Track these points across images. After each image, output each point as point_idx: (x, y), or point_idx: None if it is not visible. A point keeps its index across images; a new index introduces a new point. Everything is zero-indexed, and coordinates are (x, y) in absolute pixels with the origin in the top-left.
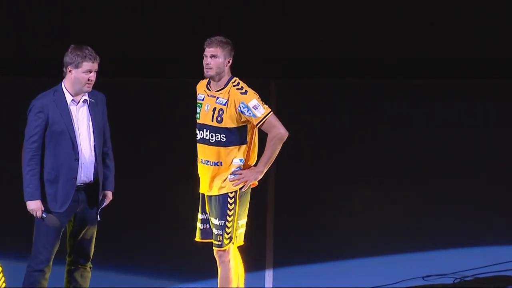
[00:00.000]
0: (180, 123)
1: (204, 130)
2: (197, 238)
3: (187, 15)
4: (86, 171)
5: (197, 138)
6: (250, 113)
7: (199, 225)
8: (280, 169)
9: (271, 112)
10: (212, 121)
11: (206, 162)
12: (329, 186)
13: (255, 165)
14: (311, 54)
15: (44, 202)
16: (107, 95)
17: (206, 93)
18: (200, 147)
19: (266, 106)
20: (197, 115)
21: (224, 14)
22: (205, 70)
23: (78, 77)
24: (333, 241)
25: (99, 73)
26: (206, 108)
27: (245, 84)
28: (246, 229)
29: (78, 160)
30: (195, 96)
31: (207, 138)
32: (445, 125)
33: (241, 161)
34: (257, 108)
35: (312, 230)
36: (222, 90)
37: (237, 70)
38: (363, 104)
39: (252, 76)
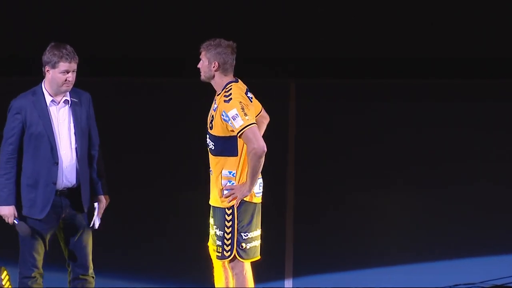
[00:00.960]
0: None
1: (207, 137)
2: (210, 243)
3: (202, 15)
4: (67, 175)
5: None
6: (230, 123)
7: (211, 231)
8: (299, 173)
9: (252, 125)
10: (208, 127)
11: (209, 170)
12: (351, 191)
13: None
14: (332, 54)
15: (20, 208)
16: (113, 95)
17: (217, 98)
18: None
19: (248, 117)
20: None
21: (242, 15)
22: None
23: (55, 77)
24: (355, 249)
25: (114, 72)
26: (209, 114)
27: (239, 92)
28: (261, 241)
29: (58, 164)
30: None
31: (208, 145)
32: (476, 126)
33: (231, 174)
34: (235, 118)
35: (333, 237)
36: (217, 96)
37: (256, 71)
38: (384, 104)
39: (271, 77)
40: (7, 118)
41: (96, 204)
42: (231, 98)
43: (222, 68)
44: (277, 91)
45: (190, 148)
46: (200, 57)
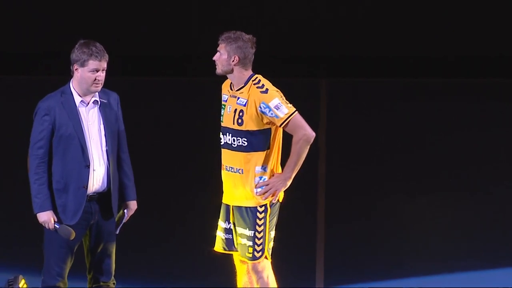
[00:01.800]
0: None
1: (227, 134)
2: (218, 248)
3: (230, 12)
4: (98, 179)
5: (221, 143)
6: (272, 114)
7: (220, 234)
8: (330, 176)
9: (296, 112)
10: (234, 124)
11: (229, 168)
12: (385, 195)
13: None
14: (366, 52)
15: (55, 213)
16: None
17: (229, 93)
18: (223, 152)
19: (290, 105)
20: (221, 118)
21: (273, 12)
22: None
23: (84, 76)
24: (390, 257)
25: (108, 71)
26: (228, 109)
27: (268, 82)
28: (276, 244)
29: (89, 167)
30: (220, 96)
31: (230, 142)
32: None
33: (263, 169)
34: (279, 108)
35: (367, 245)
36: (242, 89)
37: (286, 69)
38: (421, 105)
39: (302, 75)
40: (34, 121)
41: (125, 211)
42: (267, 89)
43: (242, 62)
44: (308, 90)
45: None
46: (218, 49)
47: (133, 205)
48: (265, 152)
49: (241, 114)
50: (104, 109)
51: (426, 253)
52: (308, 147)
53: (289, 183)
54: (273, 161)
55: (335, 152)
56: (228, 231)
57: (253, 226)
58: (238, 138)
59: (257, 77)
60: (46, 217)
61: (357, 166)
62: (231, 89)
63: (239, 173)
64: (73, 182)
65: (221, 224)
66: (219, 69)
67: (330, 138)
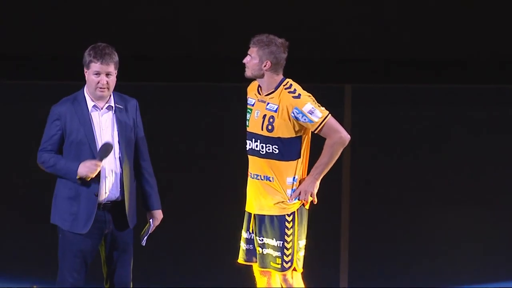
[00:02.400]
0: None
1: (254, 139)
2: (240, 259)
3: (254, 14)
4: (110, 187)
5: (247, 149)
6: (305, 119)
7: (242, 245)
8: (355, 184)
9: (329, 115)
10: (262, 129)
11: (255, 176)
12: (412, 207)
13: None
14: (392, 56)
15: (67, 220)
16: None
17: (257, 97)
18: (250, 159)
19: (323, 108)
20: (247, 122)
21: (298, 15)
22: None
23: (89, 79)
24: (419, 272)
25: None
26: (256, 114)
27: (299, 86)
28: (305, 253)
29: (100, 175)
30: (245, 100)
31: (257, 149)
32: None
33: (294, 180)
34: (313, 112)
35: (393, 259)
36: (273, 94)
37: (309, 73)
38: (449, 110)
39: (324, 79)
40: (46, 125)
41: (151, 221)
42: (300, 94)
43: (274, 67)
44: (331, 95)
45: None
46: (249, 52)
47: (158, 214)
48: (296, 161)
49: (271, 120)
50: (119, 114)
51: (452, 264)
52: (341, 150)
53: (317, 185)
54: (302, 171)
55: (359, 160)
56: (249, 241)
57: (281, 236)
58: (268, 145)
59: (288, 82)
60: (84, 168)
61: (383, 175)
62: (259, 93)
63: (268, 180)
64: (84, 189)
65: (243, 234)
66: (249, 73)
67: (354, 146)
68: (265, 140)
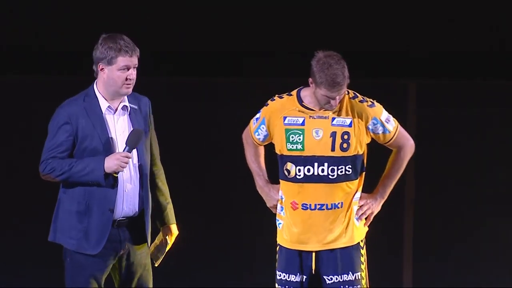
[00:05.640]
0: None
1: (317, 164)
2: None
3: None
4: (128, 201)
5: (298, 177)
6: (382, 130)
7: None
8: (419, 192)
9: (397, 122)
10: (333, 150)
11: (319, 207)
12: (482, 217)
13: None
14: (463, 49)
15: (74, 239)
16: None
17: (305, 113)
18: (304, 187)
19: (390, 115)
20: (292, 146)
21: (357, 7)
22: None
23: (113, 76)
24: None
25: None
26: (315, 134)
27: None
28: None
29: (117, 187)
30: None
31: (324, 174)
32: None
33: (358, 195)
34: (389, 120)
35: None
36: (336, 107)
37: (368, 69)
38: None
39: (387, 76)
40: (51, 130)
41: (167, 237)
42: (373, 102)
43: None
44: (394, 93)
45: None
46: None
47: (174, 229)
48: (362, 175)
49: (345, 137)
50: (135, 116)
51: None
52: None
53: (381, 206)
54: (362, 183)
55: (424, 165)
56: (296, 284)
57: (357, 267)
58: (341, 167)
59: (349, 91)
60: (112, 161)
61: (449, 182)
62: (307, 108)
63: (337, 208)
64: (96, 204)
65: (285, 277)
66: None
67: (418, 149)
68: (337, 161)
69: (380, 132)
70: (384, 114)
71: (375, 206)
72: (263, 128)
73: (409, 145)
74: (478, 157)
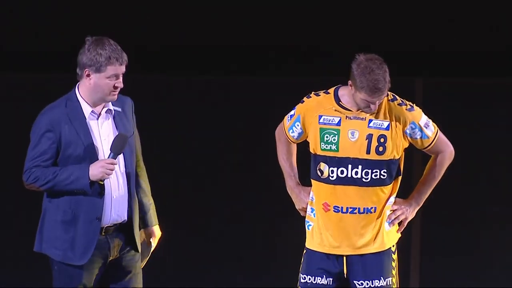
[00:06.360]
0: None
1: (351, 166)
2: None
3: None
4: (116, 208)
5: (325, 177)
6: (420, 135)
7: None
8: (429, 199)
9: (437, 127)
10: (369, 153)
11: (351, 210)
12: (493, 224)
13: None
14: (469, 47)
15: (60, 249)
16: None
17: (342, 113)
18: (337, 189)
19: (430, 120)
20: (326, 146)
21: (360, 5)
22: None
23: (100, 84)
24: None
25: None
26: (350, 135)
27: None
28: None
29: (103, 195)
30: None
31: (358, 176)
32: None
33: (393, 200)
34: (428, 126)
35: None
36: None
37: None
38: None
39: (393, 74)
40: (33, 138)
41: (151, 239)
42: (412, 105)
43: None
44: (399, 90)
45: None
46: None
47: (157, 231)
48: (398, 179)
49: (382, 140)
50: (120, 119)
51: None
52: None
53: (415, 213)
54: (397, 187)
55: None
56: (321, 287)
57: (389, 272)
58: (375, 170)
59: (388, 93)
60: (97, 169)
61: (459, 185)
62: (343, 108)
63: (369, 212)
64: (83, 212)
65: (310, 279)
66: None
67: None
68: (372, 164)
69: (418, 137)
70: (423, 119)
71: (409, 212)
72: (297, 125)
73: (448, 152)
74: (485, 155)
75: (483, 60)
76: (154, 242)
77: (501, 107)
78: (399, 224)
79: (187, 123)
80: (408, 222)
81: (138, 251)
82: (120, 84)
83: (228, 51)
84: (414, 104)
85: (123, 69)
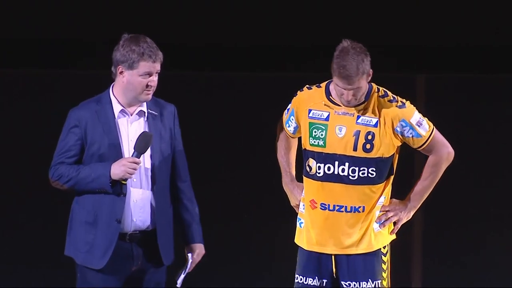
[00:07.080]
0: None
1: (337, 163)
2: None
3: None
4: (138, 212)
5: (319, 174)
6: (411, 133)
7: None
8: (429, 199)
9: (433, 126)
10: (356, 150)
11: (337, 208)
12: (496, 224)
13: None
14: (473, 41)
15: (80, 251)
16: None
17: (331, 108)
18: (324, 186)
19: (426, 118)
20: (314, 141)
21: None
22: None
23: (133, 81)
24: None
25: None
26: (338, 131)
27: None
28: None
29: (125, 196)
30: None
31: (344, 174)
32: None
33: (384, 200)
34: (421, 124)
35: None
36: (363, 105)
37: (377, 63)
38: None
39: (394, 69)
40: (62, 132)
41: (189, 255)
42: (403, 102)
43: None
44: (401, 87)
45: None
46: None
47: (199, 249)
48: (389, 179)
49: (370, 137)
50: (153, 122)
51: None
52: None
53: (412, 214)
54: (389, 187)
55: None
56: None
57: (378, 274)
58: (362, 168)
59: (379, 88)
60: (118, 168)
61: (462, 185)
62: (332, 103)
63: (357, 212)
64: (103, 214)
65: (303, 280)
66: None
67: None
68: (359, 162)
69: (410, 135)
70: (416, 117)
71: (404, 214)
72: (292, 119)
73: (445, 152)
74: (490, 155)
75: (490, 55)
76: (193, 260)
77: (508, 104)
78: (394, 224)
79: (187, 123)
80: (410, 222)
81: (163, 264)
82: (153, 83)
83: (227, 49)
84: (408, 102)
85: (157, 67)
